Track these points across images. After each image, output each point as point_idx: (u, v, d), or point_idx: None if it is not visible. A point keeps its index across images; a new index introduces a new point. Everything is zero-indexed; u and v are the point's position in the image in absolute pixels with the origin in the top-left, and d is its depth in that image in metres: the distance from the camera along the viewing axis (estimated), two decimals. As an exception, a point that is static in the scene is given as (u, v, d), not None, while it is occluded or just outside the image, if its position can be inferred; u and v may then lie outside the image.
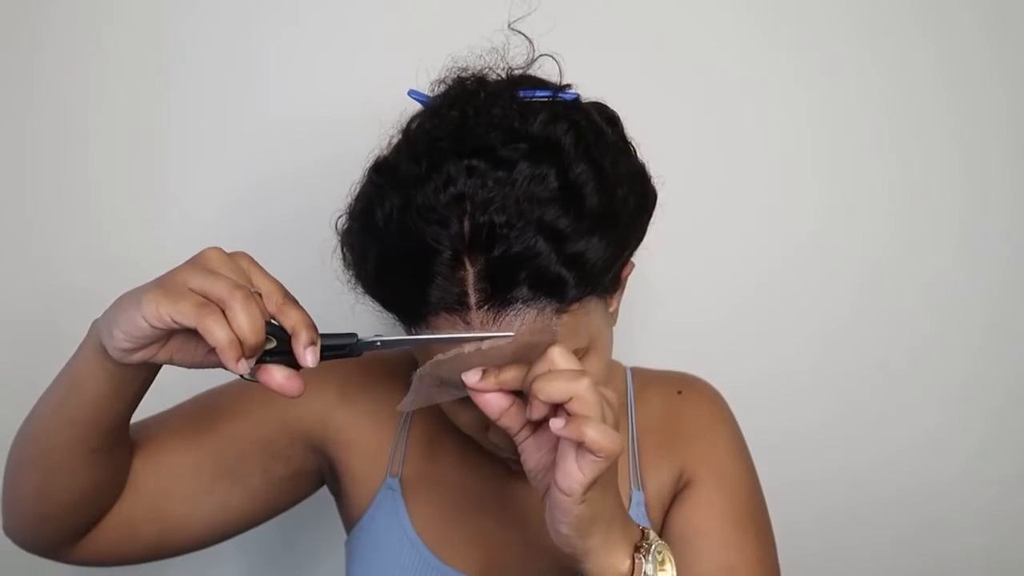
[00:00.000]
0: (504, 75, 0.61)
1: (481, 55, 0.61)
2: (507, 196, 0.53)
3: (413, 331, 0.58)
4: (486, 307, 0.54)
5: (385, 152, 0.62)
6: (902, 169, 1.00)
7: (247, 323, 0.49)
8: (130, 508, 0.66)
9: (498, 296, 0.54)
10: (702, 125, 0.97)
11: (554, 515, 0.53)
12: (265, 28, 0.94)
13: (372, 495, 0.73)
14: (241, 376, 0.51)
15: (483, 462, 0.72)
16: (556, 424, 0.50)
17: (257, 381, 0.52)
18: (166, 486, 0.68)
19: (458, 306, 0.54)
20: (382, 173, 0.60)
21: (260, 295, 0.51)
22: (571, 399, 0.50)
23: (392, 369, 0.75)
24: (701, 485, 0.69)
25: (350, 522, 0.75)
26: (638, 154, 0.65)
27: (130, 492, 0.66)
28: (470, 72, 0.60)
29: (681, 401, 0.73)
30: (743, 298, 1.01)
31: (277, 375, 0.52)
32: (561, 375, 0.51)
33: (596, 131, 0.60)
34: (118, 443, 0.62)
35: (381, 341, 0.54)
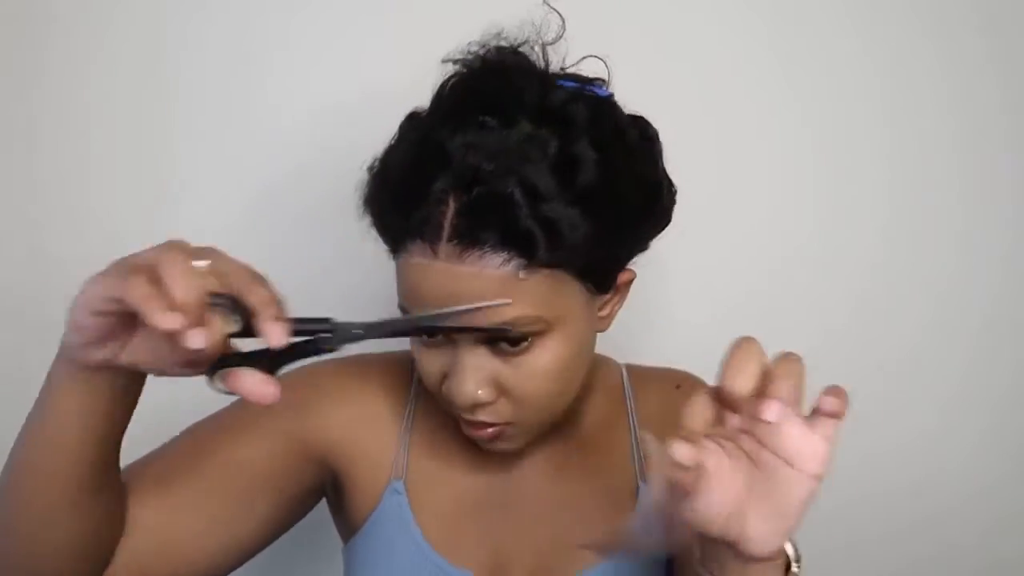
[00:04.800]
0: (540, 50, 0.64)
1: (521, 27, 0.64)
2: (502, 147, 0.57)
3: (396, 261, 0.61)
4: (455, 241, 0.56)
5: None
6: (902, 169, 1.01)
7: (180, 280, 0.45)
8: (138, 552, 0.62)
9: (468, 235, 0.56)
10: (702, 126, 0.97)
11: (785, 518, 0.47)
12: (269, 22, 0.94)
13: (376, 499, 0.72)
14: (212, 385, 0.48)
15: (487, 458, 0.72)
16: (828, 402, 0.46)
17: (229, 392, 0.48)
18: (175, 524, 0.64)
19: (432, 236, 0.57)
20: (412, 118, 0.65)
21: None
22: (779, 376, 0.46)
23: (389, 370, 0.75)
24: None
25: (351, 529, 0.74)
26: (665, 174, 0.67)
27: (137, 534, 0.62)
28: (507, 41, 0.64)
29: (681, 395, 0.73)
30: (744, 297, 1.01)
31: (247, 380, 0.48)
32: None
33: (616, 127, 0.62)
34: (108, 483, 0.59)
35: (363, 327, 0.52)
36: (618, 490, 0.72)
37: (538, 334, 0.60)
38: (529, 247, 0.57)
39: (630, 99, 0.66)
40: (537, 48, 0.64)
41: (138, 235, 0.93)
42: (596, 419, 0.74)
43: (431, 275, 0.58)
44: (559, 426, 0.69)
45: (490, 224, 0.56)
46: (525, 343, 0.60)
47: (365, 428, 0.73)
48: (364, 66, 0.94)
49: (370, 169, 0.64)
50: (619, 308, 0.68)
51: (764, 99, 0.98)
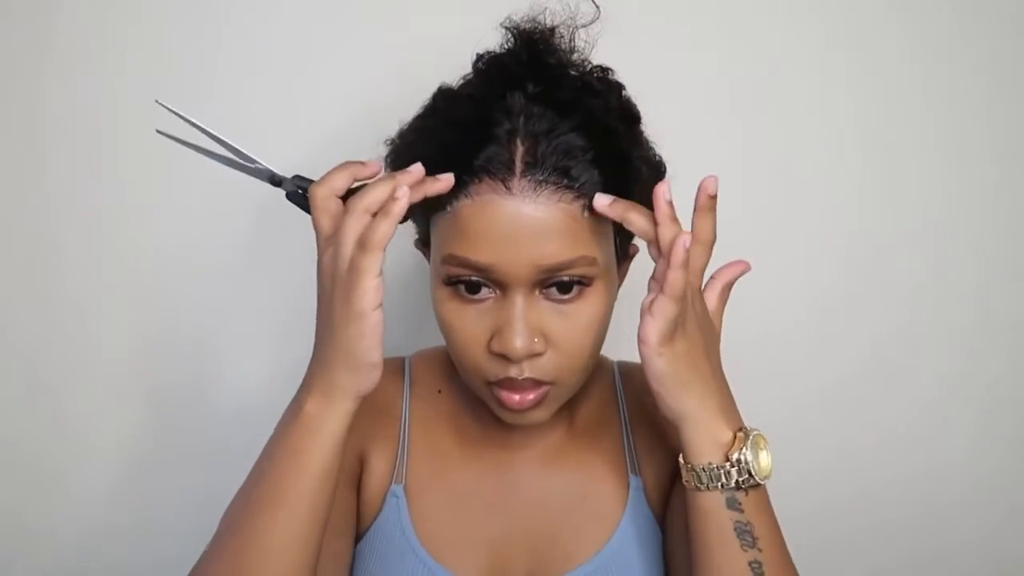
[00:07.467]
0: (570, 33, 0.66)
1: (548, 10, 0.66)
2: (557, 101, 0.61)
3: (449, 209, 0.62)
4: (529, 177, 0.60)
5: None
6: (942, 178, 1.00)
7: (372, 194, 0.58)
8: None
9: (542, 171, 0.60)
10: (723, 134, 0.96)
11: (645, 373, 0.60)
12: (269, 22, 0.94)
13: (379, 505, 0.72)
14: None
15: (485, 459, 0.73)
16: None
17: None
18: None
19: (504, 172, 0.60)
20: (445, 90, 0.66)
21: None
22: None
23: (383, 377, 0.74)
24: None
25: (357, 535, 0.74)
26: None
27: None
28: (539, 21, 0.66)
29: None
30: (761, 300, 1.00)
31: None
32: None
33: (632, 109, 0.68)
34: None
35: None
36: (610, 485, 0.73)
37: (587, 283, 0.62)
38: (594, 187, 0.60)
39: (643, 96, 0.68)
40: (568, 31, 0.66)
41: (137, 235, 0.94)
42: (589, 414, 0.75)
43: (503, 210, 0.59)
44: (557, 418, 0.70)
45: (560, 162, 0.60)
46: (576, 289, 0.62)
47: (372, 434, 0.73)
48: (363, 68, 0.94)
49: (400, 136, 0.67)
50: (622, 283, 0.70)
51: (802, 98, 0.98)
